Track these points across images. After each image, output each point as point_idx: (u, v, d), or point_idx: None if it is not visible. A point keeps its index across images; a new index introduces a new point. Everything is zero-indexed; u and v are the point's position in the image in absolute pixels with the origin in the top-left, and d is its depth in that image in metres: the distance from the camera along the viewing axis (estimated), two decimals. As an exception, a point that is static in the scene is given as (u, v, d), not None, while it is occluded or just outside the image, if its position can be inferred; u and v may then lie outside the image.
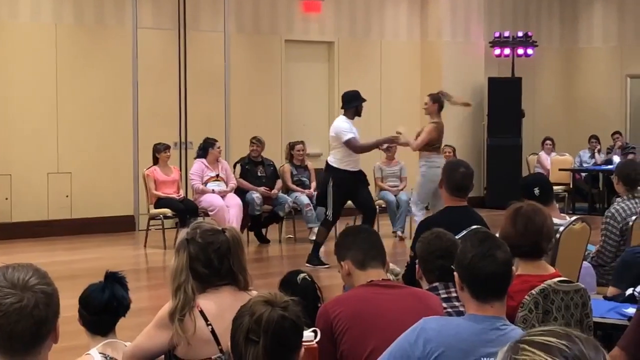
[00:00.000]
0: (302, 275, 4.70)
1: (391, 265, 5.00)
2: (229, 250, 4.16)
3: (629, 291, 5.61)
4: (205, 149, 13.78)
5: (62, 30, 14.55)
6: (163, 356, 4.19)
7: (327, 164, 11.88)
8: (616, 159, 17.13)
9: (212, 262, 4.13)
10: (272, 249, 13.74)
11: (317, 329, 3.79)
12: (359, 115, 11.89)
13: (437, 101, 12.31)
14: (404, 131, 12.44)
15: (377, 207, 12.91)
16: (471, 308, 3.70)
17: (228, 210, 13.32)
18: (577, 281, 5.36)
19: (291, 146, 14.67)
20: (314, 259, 11.85)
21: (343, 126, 11.71)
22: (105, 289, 4.30)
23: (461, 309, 4.47)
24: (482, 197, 18.13)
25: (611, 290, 5.91)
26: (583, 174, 18.59)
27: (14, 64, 14.14)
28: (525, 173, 17.53)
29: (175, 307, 4.07)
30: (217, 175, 13.70)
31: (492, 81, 18.51)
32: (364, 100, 11.95)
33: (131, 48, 15.10)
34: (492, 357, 3.55)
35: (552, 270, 4.81)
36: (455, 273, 3.78)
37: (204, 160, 13.72)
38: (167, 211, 13.37)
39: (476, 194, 16.34)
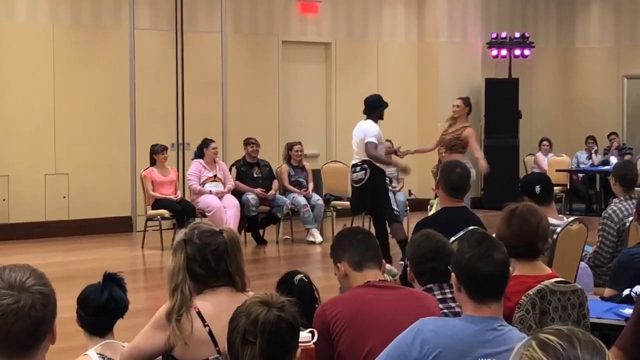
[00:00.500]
0: (299, 276, 4.70)
1: (388, 266, 5.01)
2: (226, 251, 4.16)
3: (626, 292, 5.61)
4: (202, 149, 13.80)
5: (59, 31, 14.55)
6: (161, 357, 4.19)
7: (374, 168, 11.54)
8: (613, 159, 17.15)
9: (209, 262, 4.13)
10: (270, 250, 13.73)
11: (314, 329, 3.79)
12: (382, 119, 11.86)
13: (469, 105, 12.31)
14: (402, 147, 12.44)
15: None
16: (468, 309, 3.70)
17: (225, 211, 13.32)
18: (575, 282, 5.37)
19: (289, 147, 14.66)
20: None
21: (373, 129, 11.51)
22: (103, 290, 4.30)
23: (457, 309, 4.47)
24: (480, 198, 18.14)
25: (608, 291, 5.91)
26: (580, 175, 18.60)
27: (11, 64, 14.14)
28: (522, 174, 17.53)
29: (172, 308, 4.07)
30: (215, 176, 13.70)
31: (489, 82, 18.52)
32: (387, 105, 11.92)
33: (128, 49, 15.10)
34: (489, 358, 3.56)
35: (548, 270, 4.82)
36: (452, 274, 3.79)
37: (201, 161, 13.73)
38: (165, 212, 13.37)
39: (473, 194, 16.34)
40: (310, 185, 14.49)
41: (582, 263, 6.88)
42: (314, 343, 3.65)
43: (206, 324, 4.05)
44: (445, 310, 4.49)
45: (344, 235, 4.59)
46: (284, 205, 13.97)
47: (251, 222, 13.98)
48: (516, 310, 4.46)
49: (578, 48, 20.59)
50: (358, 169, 11.60)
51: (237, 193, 13.77)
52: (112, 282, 4.34)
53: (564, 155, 18.71)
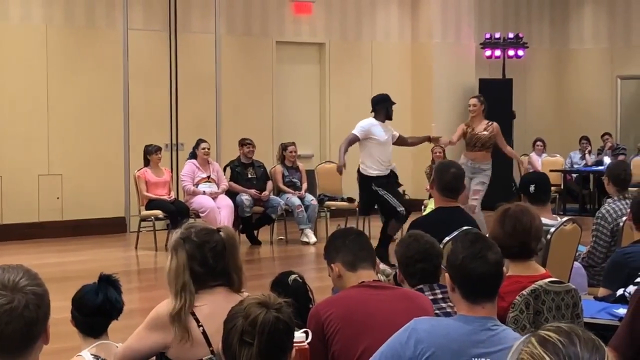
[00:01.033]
0: (293, 276, 4.70)
1: (382, 266, 5.01)
2: (225, 249, 4.15)
3: (620, 292, 5.62)
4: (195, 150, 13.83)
5: (53, 32, 14.53)
6: (154, 357, 4.19)
7: (360, 175, 12.03)
8: (607, 160, 17.18)
9: (207, 261, 4.11)
10: (264, 251, 13.73)
11: (308, 330, 3.79)
12: (390, 118, 11.96)
13: (484, 103, 12.51)
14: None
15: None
16: (462, 309, 3.71)
17: (219, 212, 13.31)
18: (568, 282, 5.37)
19: (284, 147, 14.66)
20: None
21: (361, 123, 11.91)
22: (99, 291, 4.29)
23: (448, 309, 4.48)
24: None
25: (602, 291, 5.92)
26: (574, 175, 18.63)
27: (4, 65, 14.12)
28: (516, 174, 17.51)
29: (182, 307, 4.03)
30: (209, 177, 13.70)
31: (483, 82, 18.53)
32: (393, 103, 12.01)
33: (122, 50, 15.09)
34: (483, 358, 3.56)
35: (542, 270, 4.82)
36: (446, 274, 3.79)
37: (195, 161, 13.72)
38: (159, 213, 13.36)
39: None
40: (304, 186, 14.49)
41: (575, 263, 6.89)
42: (308, 343, 3.65)
43: (200, 324, 4.05)
44: (437, 311, 4.49)
45: (337, 236, 4.59)
46: (278, 206, 13.97)
47: (245, 223, 13.98)
48: (510, 310, 4.46)
49: (572, 49, 20.62)
50: (358, 169, 12.01)
51: (231, 194, 13.76)
52: (108, 283, 4.33)
53: (558, 155, 18.74)
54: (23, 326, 2.43)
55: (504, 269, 3.84)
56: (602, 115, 19.92)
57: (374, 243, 11.50)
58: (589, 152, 18.72)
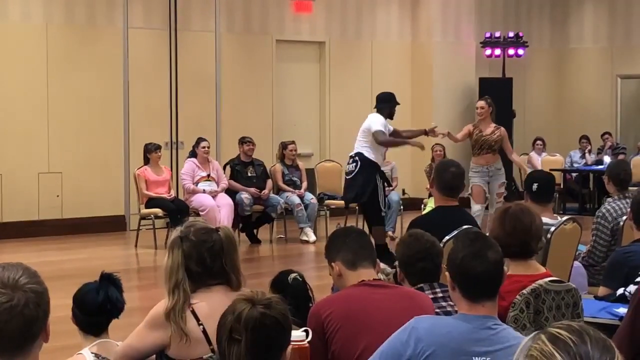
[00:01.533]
0: (293, 275, 4.69)
1: (382, 265, 5.00)
2: (222, 249, 4.15)
3: (620, 291, 5.62)
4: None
5: (53, 30, 14.52)
6: (154, 356, 4.18)
7: (365, 159, 11.46)
8: (607, 159, 17.18)
9: (205, 260, 4.11)
10: (263, 249, 13.73)
11: (308, 328, 3.79)
12: (392, 117, 11.85)
13: (492, 105, 12.45)
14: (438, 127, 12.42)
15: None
16: (463, 307, 3.70)
17: (219, 210, 13.31)
18: (568, 281, 5.37)
19: (284, 146, 14.66)
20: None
21: (378, 119, 11.55)
22: (100, 290, 4.28)
23: (448, 308, 4.48)
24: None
25: (602, 290, 5.91)
26: (574, 174, 18.63)
27: (4, 63, 14.11)
28: (516, 173, 17.52)
29: (174, 305, 4.04)
30: (208, 175, 13.70)
31: (483, 81, 18.52)
32: (398, 103, 11.93)
33: (122, 48, 15.09)
34: (483, 357, 3.56)
35: (542, 270, 4.82)
36: (446, 273, 3.79)
37: (195, 160, 13.72)
38: (158, 211, 13.36)
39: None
40: (304, 185, 14.49)
41: (575, 262, 6.89)
42: (308, 342, 3.64)
43: (200, 322, 4.05)
44: (437, 310, 4.48)
45: (338, 234, 4.59)
46: (278, 205, 13.97)
47: (245, 222, 13.98)
48: (510, 310, 4.46)
49: (572, 48, 20.61)
50: (350, 160, 11.66)
51: (231, 192, 13.76)
52: (109, 282, 4.33)
53: (558, 154, 18.73)
54: (23, 324, 2.43)
55: (505, 268, 3.84)
56: (602, 114, 19.92)
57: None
58: (589, 151, 18.71)
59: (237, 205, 13.66)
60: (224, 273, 4.15)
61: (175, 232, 4.22)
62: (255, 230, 14.15)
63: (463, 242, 3.80)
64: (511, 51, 18.94)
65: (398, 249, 4.86)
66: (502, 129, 12.48)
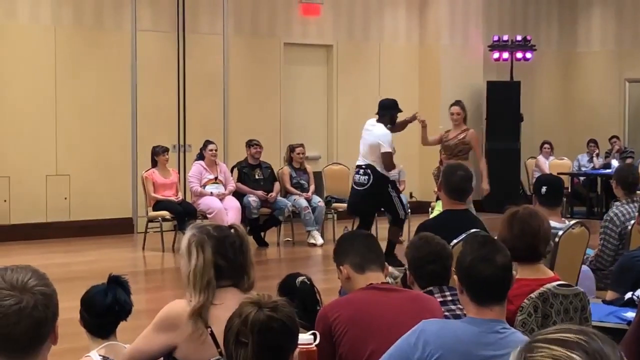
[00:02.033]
0: (301, 278, 4.69)
1: (390, 269, 5.00)
2: (242, 244, 4.15)
3: (628, 295, 5.61)
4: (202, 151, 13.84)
5: (61, 32, 14.54)
6: (162, 359, 4.18)
7: (378, 174, 11.79)
8: (614, 163, 17.15)
9: (228, 255, 4.10)
10: (271, 252, 13.73)
11: (316, 332, 3.79)
12: (393, 124, 11.91)
13: (464, 108, 12.38)
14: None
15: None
16: (471, 311, 3.70)
17: (226, 213, 13.31)
18: (576, 285, 5.36)
19: (291, 149, 14.66)
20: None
21: (386, 137, 11.75)
22: (107, 292, 4.28)
23: (458, 312, 4.47)
24: (481, 201, 18.10)
25: (610, 294, 5.91)
26: (581, 178, 18.61)
27: (13, 65, 14.13)
28: (523, 177, 17.54)
29: (203, 304, 4.00)
30: (216, 178, 13.70)
31: (490, 85, 18.52)
32: (400, 110, 11.98)
33: (130, 50, 15.10)
34: (491, 360, 3.55)
35: (551, 274, 4.81)
36: (455, 276, 3.78)
37: (202, 162, 13.72)
38: (166, 214, 13.37)
39: (474, 197, 16.28)
40: (312, 187, 14.48)
41: (583, 266, 6.88)
42: (315, 345, 3.64)
43: (208, 325, 4.04)
44: (446, 313, 4.48)
45: (346, 238, 4.60)
46: (285, 208, 13.96)
47: (252, 224, 13.97)
48: (518, 313, 4.45)
49: (580, 51, 20.59)
50: (362, 172, 11.78)
51: (238, 195, 13.76)
52: (117, 284, 4.33)
53: (565, 158, 18.71)
54: (31, 326, 2.43)
55: (513, 272, 3.83)
56: (610, 118, 19.90)
57: (382, 245, 11.50)
58: (597, 155, 18.69)
59: (245, 208, 13.66)
60: (241, 271, 4.13)
61: (190, 233, 4.17)
62: (262, 233, 14.15)
63: (472, 246, 3.79)
64: (519, 54, 18.93)
65: (408, 251, 4.86)
66: (471, 131, 12.15)
